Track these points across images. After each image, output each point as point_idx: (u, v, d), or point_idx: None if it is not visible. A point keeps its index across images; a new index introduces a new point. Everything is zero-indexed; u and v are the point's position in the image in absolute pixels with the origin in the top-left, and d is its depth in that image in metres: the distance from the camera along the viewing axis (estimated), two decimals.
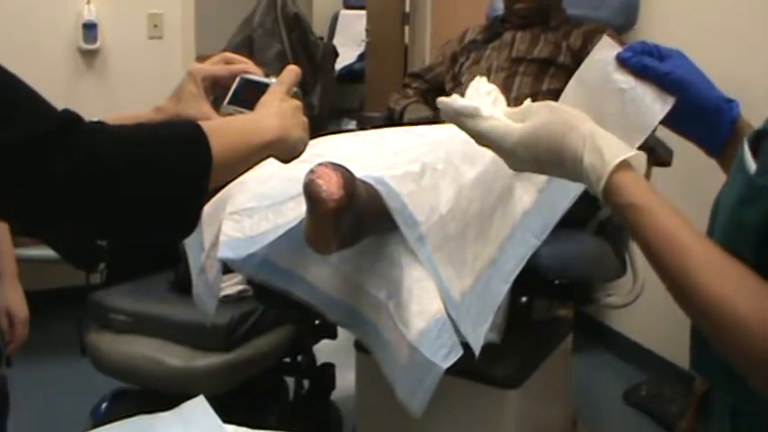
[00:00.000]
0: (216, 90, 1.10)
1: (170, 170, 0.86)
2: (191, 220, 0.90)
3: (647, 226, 0.84)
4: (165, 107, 1.08)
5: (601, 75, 1.04)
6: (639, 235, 0.85)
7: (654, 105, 1.01)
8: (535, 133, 0.91)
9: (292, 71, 1.08)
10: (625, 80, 1.02)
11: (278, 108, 1.01)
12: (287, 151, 1.02)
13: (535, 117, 0.92)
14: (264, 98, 1.03)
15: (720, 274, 0.79)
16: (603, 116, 1.02)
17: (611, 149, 0.87)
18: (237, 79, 1.09)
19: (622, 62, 1.02)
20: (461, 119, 0.97)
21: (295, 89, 1.07)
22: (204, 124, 0.91)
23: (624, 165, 0.86)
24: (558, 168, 0.91)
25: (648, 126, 1.02)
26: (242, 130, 0.97)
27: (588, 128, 0.89)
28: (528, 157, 0.92)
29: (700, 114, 1.01)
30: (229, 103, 1.08)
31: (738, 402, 0.88)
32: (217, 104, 1.08)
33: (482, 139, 0.96)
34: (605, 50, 1.05)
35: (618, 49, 1.03)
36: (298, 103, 1.05)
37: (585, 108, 1.02)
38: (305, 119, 1.05)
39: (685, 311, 0.83)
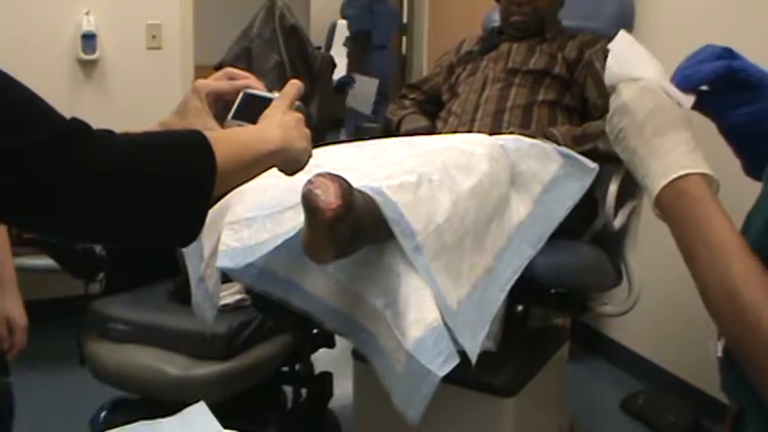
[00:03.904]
0: (219, 105, 1.12)
1: (176, 177, 0.88)
2: (196, 226, 0.91)
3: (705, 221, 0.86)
4: (170, 122, 1.09)
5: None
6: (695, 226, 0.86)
7: (681, 96, 1.00)
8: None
9: (294, 86, 1.10)
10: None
11: (280, 120, 1.03)
12: (290, 161, 1.04)
13: None
14: (267, 112, 1.05)
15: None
16: None
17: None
18: (241, 94, 1.11)
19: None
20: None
21: (297, 103, 1.09)
22: (209, 134, 0.93)
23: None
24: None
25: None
26: (246, 140, 1.00)
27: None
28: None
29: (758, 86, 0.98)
30: (233, 117, 1.10)
31: None
32: (220, 119, 1.10)
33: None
34: (621, 42, 1.03)
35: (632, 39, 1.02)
36: (300, 115, 1.07)
37: None
38: (307, 131, 1.07)
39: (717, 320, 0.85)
